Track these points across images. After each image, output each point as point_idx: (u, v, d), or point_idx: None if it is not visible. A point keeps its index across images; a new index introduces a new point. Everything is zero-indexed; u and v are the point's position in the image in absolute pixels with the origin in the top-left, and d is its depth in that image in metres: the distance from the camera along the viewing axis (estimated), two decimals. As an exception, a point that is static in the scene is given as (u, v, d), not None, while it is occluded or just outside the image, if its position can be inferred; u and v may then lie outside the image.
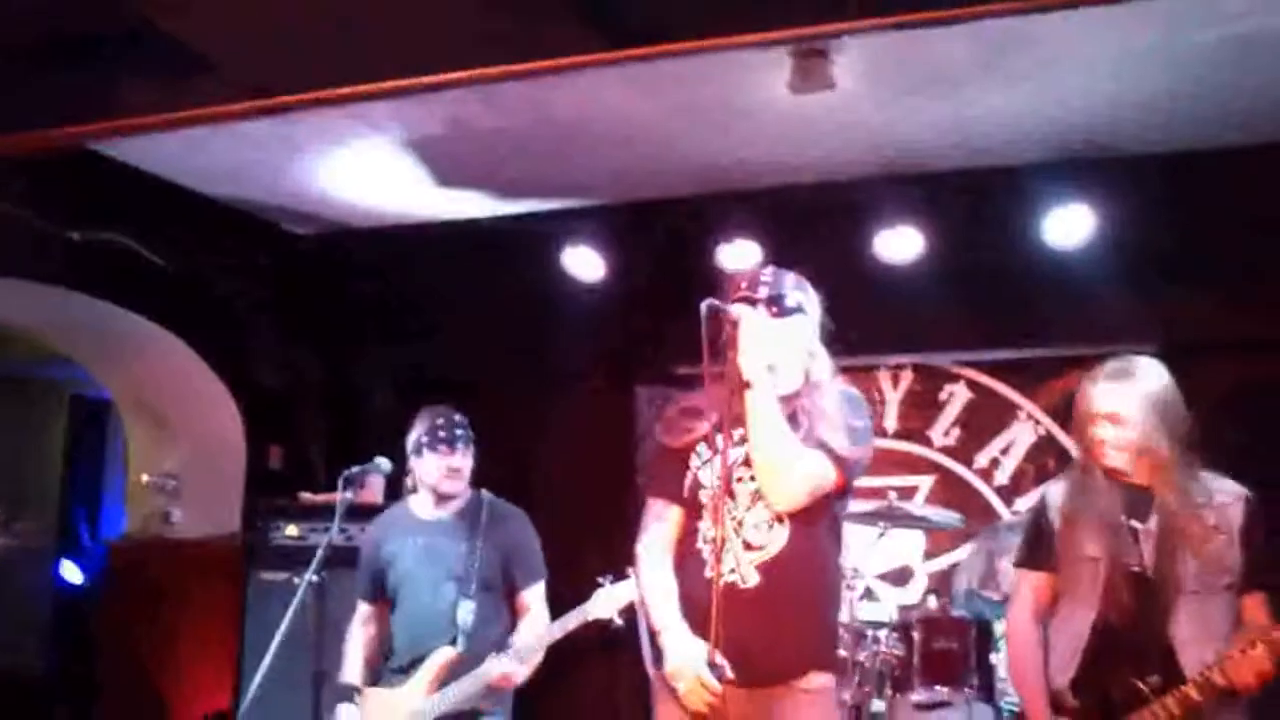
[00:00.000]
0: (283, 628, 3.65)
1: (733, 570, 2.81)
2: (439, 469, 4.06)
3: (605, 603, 3.79)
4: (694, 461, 2.96)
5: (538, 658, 3.92)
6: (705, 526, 2.88)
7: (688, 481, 2.96)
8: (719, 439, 2.78)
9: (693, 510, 2.95)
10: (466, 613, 3.92)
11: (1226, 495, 3.08)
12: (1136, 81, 4.45)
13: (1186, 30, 4.05)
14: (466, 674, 3.84)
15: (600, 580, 3.83)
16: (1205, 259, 5.14)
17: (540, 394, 6.33)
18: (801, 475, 2.80)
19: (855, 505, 4.60)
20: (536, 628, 3.96)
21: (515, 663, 3.81)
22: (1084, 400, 3.17)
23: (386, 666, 4.06)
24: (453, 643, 3.90)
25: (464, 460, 4.10)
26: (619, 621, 3.78)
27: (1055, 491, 3.28)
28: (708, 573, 2.78)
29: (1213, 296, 5.24)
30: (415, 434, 4.12)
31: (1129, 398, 3.08)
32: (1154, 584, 3.00)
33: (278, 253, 6.17)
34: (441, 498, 4.12)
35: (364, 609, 4.19)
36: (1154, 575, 3.00)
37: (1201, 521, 3.01)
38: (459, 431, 4.09)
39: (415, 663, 3.93)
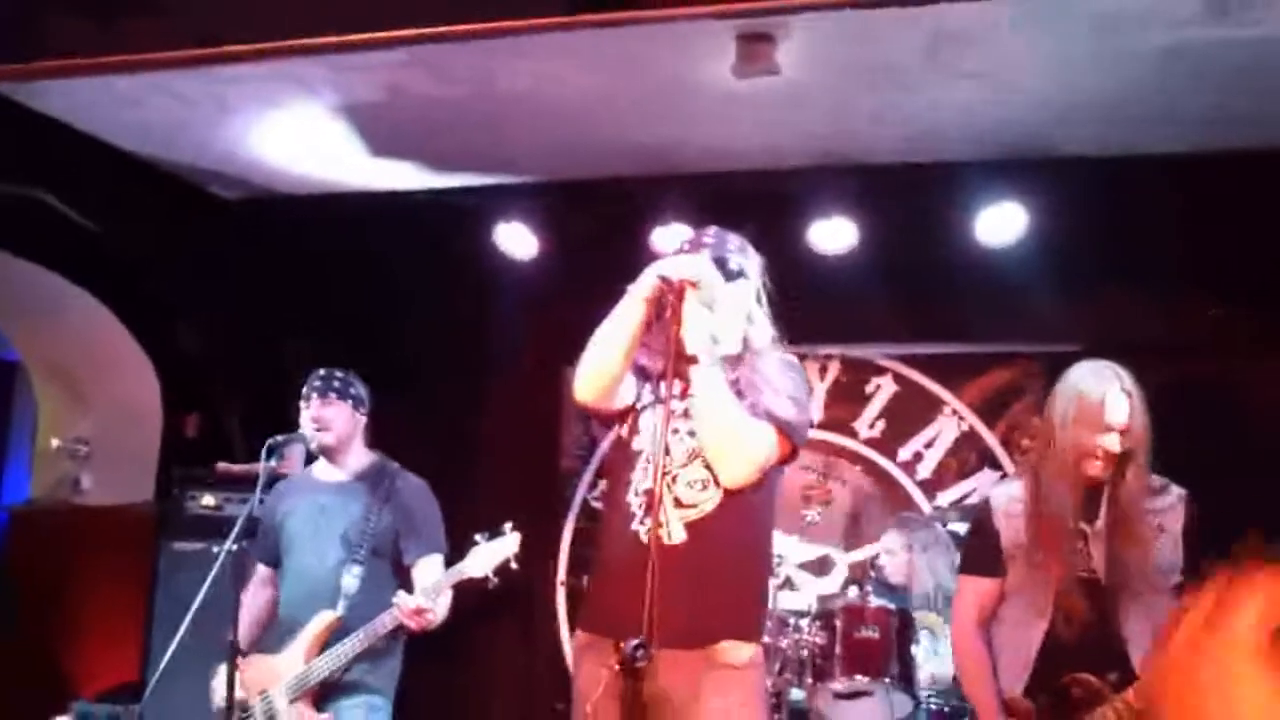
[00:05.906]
0: (199, 598, 3.56)
1: (659, 525, 2.67)
2: (307, 423, 3.95)
3: (481, 560, 3.68)
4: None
5: (444, 604, 3.79)
6: (637, 479, 2.82)
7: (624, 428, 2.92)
8: (661, 388, 2.72)
9: (622, 455, 2.90)
10: (352, 578, 3.79)
11: (1168, 496, 3.09)
12: (1077, 83, 4.48)
13: (1128, 35, 4.09)
14: (347, 637, 3.71)
15: (476, 538, 3.72)
16: (1133, 262, 5.21)
17: (468, 371, 6.25)
18: (751, 453, 2.77)
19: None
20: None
21: (423, 598, 3.66)
22: (1088, 410, 3.03)
23: (272, 631, 3.94)
24: (333, 607, 3.78)
25: (329, 411, 3.95)
26: (494, 580, 3.68)
27: (1001, 495, 3.22)
28: (634, 526, 2.75)
29: (1139, 299, 5.33)
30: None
31: (1136, 409, 3.03)
32: (1104, 588, 2.99)
33: (203, 216, 5.99)
34: (333, 458, 4.01)
35: (261, 572, 4.09)
36: (1104, 579, 2.99)
37: (1147, 522, 3.02)
38: (334, 384, 3.98)
39: (296, 627, 3.81)
